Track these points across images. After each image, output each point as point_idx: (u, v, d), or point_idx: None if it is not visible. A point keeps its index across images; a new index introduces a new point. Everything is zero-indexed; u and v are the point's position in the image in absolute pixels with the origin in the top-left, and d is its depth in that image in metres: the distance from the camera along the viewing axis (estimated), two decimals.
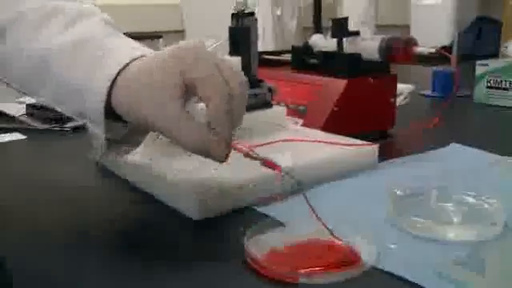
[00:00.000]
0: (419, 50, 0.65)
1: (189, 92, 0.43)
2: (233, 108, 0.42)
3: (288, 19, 2.53)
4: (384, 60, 0.70)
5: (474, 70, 1.06)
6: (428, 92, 1.15)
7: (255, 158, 0.44)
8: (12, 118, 0.94)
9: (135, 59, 0.44)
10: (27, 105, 0.96)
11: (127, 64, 0.44)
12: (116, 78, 0.43)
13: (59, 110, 0.48)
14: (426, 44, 0.78)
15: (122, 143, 0.48)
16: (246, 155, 0.44)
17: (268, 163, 0.44)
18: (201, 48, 0.43)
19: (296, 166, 0.54)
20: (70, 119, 0.94)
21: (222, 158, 0.43)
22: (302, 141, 0.59)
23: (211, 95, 0.42)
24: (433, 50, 0.62)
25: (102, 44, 0.46)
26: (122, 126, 0.47)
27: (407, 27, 2.31)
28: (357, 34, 0.73)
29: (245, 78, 0.45)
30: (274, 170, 0.44)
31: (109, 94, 0.43)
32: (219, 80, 0.42)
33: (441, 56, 0.62)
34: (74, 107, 0.46)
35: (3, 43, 0.47)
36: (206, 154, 0.43)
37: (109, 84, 0.43)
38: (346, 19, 0.73)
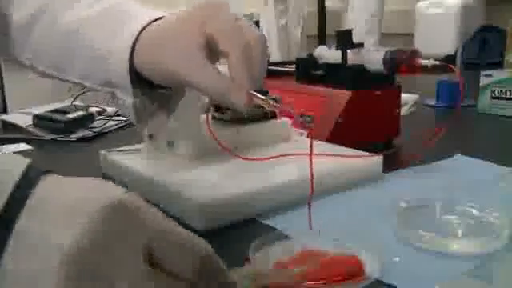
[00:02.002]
0: (423, 62, 0.65)
1: (209, 48, 0.44)
2: (252, 59, 0.44)
3: (292, 28, 2.55)
4: (388, 72, 0.70)
5: (478, 80, 1.06)
6: (432, 102, 1.15)
7: (273, 107, 0.46)
8: (19, 129, 0.95)
9: (157, 19, 0.46)
10: (34, 115, 0.97)
11: (149, 23, 0.46)
12: (138, 36, 0.45)
13: (87, 86, 0.50)
14: (431, 52, 0.78)
15: (151, 118, 0.50)
16: (264, 103, 0.45)
17: (285, 113, 0.45)
18: (221, 4, 0.45)
19: (301, 178, 0.55)
20: (75, 130, 0.95)
21: (241, 106, 0.44)
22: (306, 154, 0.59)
23: (230, 46, 0.43)
24: (437, 63, 0.63)
25: (126, 10, 0.49)
26: (150, 93, 0.48)
27: (412, 36, 2.31)
28: (361, 45, 0.74)
29: (262, 33, 0.46)
30: (291, 118, 0.45)
31: (132, 56, 0.46)
32: (238, 32, 0.43)
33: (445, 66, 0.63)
34: (101, 77, 0.49)
35: (40, 24, 0.50)
36: (227, 100, 0.44)
37: (131, 42, 0.45)
38: (350, 31, 0.73)
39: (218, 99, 0.45)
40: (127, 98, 0.47)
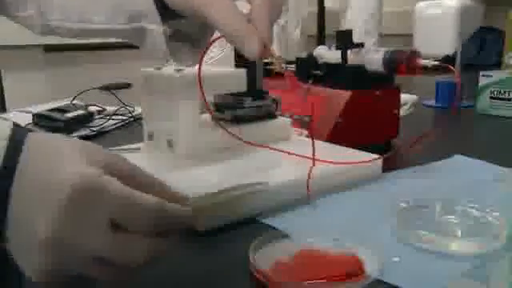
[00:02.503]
0: (423, 62, 0.65)
1: None
2: (274, 9, 0.45)
3: (292, 28, 2.54)
4: (388, 72, 0.70)
5: (477, 80, 1.07)
6: (432, 102, 1.15)
7: (281, 68, 0.47)
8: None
9: None
10: (33, 114, 0.97)
11: None
12: None
13: (116, 30, 0.51)
14: (430, 53, 0.78)
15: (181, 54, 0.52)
16: (275, 60, 0.45)
17: (290, 79, 0.46)
18: None
19: (300, 178, 0.55)
20: (74, 129, 0.95)
21: (253, 52, 0.44)
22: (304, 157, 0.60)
23: None
24: (436, 63, 0.63)
25: None
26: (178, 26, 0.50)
27: (411, 36, 2.32)
28: (361, 45, 0.74)
29: None
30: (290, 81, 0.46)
31: None
32: None
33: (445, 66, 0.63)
34: (127, 11, 0.50)
35: None
36: (239, 41, 0.43)
37: None
38: (350, 31, 0.73)
39: (230, 38, 0.44)
40: (157, 28, 0.48)
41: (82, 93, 1.13)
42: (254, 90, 0.67)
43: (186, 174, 0.58)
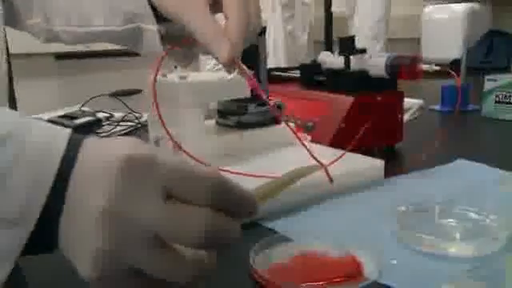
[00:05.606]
0: (425, 67, 0.66)
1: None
2: (250, 19, 0.47)
3: (299, 34, 2.56)
4: (391, 77, 0.71)
5: (483, 85, 1.07)
6: (437, 106, 1.15)
7: (247, 77, 0.49)
8: None
9: None
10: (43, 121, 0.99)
11: None
12: None
13: (114, 31, 0.54)
14: (438, 57, 0.79)
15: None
16: (240, 70, 0.47)
17: (250, 80, 0.49)
18: None
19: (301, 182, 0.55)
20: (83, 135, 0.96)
21: (224, 59, 0.46)
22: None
23: (234, 5, 0.46)
24: (438, 68, 0.64)
25: None
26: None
27: (418, 41, 2.31)
28: (364, 51, 0.75)
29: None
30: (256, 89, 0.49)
31: None
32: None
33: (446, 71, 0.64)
34: (124, 15, 0.52)
35: None
36: (211, 47, 0.46)
37: None
38: (352, 37, 0.74)
39: (203, 43, 0.46)
40: (152, 28, 0.51)
41: (91, 99, 1.15)
42: (257, 96, 0.68)
43: None
